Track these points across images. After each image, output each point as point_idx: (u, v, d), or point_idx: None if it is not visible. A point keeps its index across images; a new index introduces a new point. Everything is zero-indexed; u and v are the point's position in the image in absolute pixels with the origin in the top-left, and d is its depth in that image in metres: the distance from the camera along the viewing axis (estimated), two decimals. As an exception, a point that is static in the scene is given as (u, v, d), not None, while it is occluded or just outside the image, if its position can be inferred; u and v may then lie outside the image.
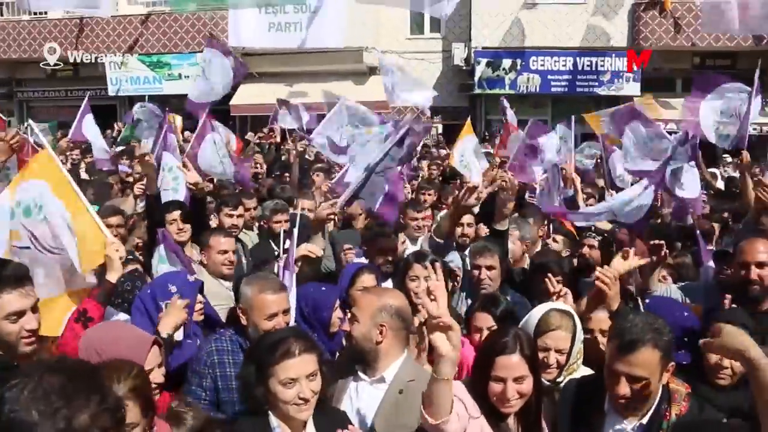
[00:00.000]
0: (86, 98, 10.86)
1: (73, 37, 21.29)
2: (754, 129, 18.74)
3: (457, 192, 5.27)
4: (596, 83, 20.16)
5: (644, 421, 2.94)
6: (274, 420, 2.83)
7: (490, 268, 4.82)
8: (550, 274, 4.41)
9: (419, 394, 2.64)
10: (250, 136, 14.70)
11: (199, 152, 8.19)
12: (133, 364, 2.69)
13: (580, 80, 20.19)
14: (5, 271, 3.01)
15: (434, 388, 2.54)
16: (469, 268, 5.07)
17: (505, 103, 10.64)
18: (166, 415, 2.87)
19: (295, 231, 4.47)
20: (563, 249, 6.29)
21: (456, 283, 4.97)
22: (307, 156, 11.73)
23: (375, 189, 5.72)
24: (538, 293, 4.63)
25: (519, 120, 11.38)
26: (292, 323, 3.78)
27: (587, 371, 3.42)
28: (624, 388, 2.84)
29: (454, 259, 5.13)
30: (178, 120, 13.78)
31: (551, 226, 6.86)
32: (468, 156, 9.47)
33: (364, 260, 5.34)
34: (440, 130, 19.72)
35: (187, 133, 12.01)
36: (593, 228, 6.13)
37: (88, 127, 10.30)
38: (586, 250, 5.88)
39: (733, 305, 4.21)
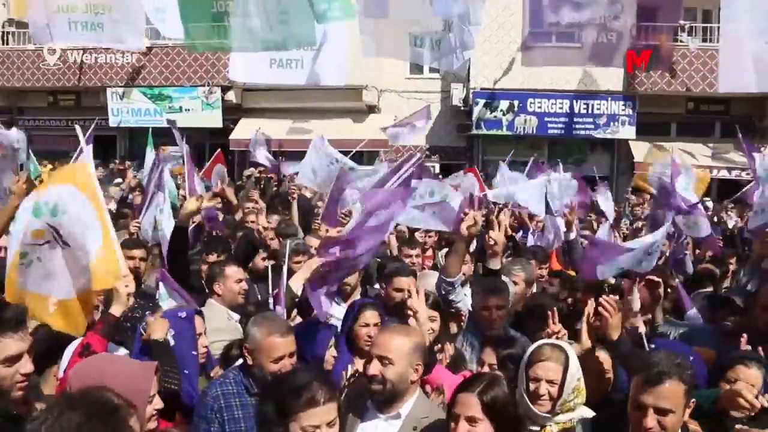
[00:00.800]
0: (91, 128, 10.79)
1: (77, 67, 21.54)
2: (747, 174, 19.00)
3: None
4: (592, 126, 20.43)
5: None
6: None
7: (499, 308, 4.77)
8: (550, 312, 4.43)
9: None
10: (250, 171, 14.80)
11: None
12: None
13: (577, 123, 20.46)
14: (6, 314, 3.02)
15: None
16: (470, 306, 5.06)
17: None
18: None
19: (285, 267, 4.53)
20: (560, 291, 6.33)
21: (461, 325, 4.97)
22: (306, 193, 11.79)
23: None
24: (533, 334, 4.67)
25: (516, 161, 11.55)
26: None
27: (589, 413, 3.44)
28: (651, 421, 2.89)
29: (461, 299, 5.03)
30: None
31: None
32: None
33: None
34: (438, 170, 19.88)
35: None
36: None
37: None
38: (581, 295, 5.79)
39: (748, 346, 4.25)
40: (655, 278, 4.88)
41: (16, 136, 6.70)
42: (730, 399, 3.42)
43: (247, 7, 7.26)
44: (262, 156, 12.57)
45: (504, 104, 20.50)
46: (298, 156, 12.97)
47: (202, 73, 20.64)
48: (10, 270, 3.89)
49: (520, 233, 8.88)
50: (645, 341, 4.20)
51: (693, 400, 3.02)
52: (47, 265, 3.84)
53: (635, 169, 18.59)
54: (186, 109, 20.69)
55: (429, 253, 7.83)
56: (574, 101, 20.21)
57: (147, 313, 4.17)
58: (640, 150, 19.82)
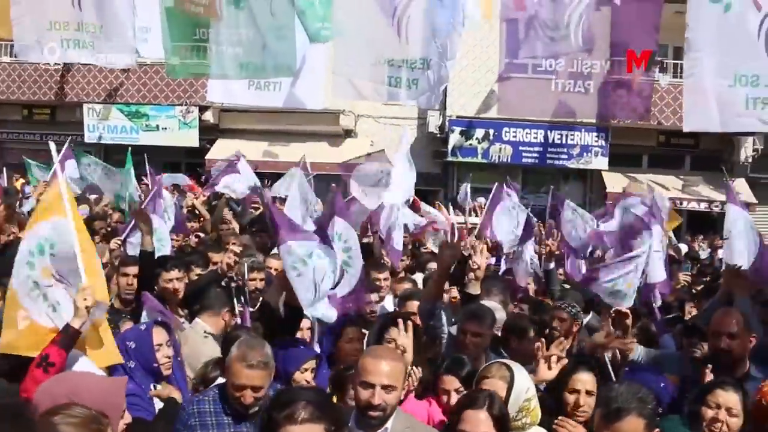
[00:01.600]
0: (66, 144, 10.69)
1: (53, 82, 21.45)
2: (716, 206, 19.38)
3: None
4: (566, 156, 20.73)
5: None
6: None
7: (476, 335, 4.78)
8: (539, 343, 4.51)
9: None
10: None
11: None
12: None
13: (551, 152, 20.75)
14: None
15: None
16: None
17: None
18: None
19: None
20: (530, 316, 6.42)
21: (439, 349, 5.00)
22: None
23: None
24: (510, 354, 4.78)
25: (489, 189, 11.67)
26: None
27: None
28: None
29: (441, 324, 5.05)
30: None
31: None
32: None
33: None
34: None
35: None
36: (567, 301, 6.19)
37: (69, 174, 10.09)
38: (556, 323, 5.79)
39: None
40: (623, 309, 4.99)
41: None
42: None
43: (227, 34, 7.28)
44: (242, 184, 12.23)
45: (480, 132, 20.74)
46: (275, 177, 13.04)
47: (180, 92, 20.65)
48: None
49: (493, 260, 9.02)
50: (610, 370, 4.31)
51: (657, 430, 3.10)
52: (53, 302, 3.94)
53: (607, 199, 18.86)
54: (163, 128, 20.65)
55: (402, 274, 7.91)
56: (549, 131, 20.50)
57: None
58: (612, 180, 20.15)
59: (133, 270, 5.76)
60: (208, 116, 21.07)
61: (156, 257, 6.06)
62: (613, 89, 7.11)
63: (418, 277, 7.79)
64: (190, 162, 20.21)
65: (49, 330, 3.85)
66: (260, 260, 6.85)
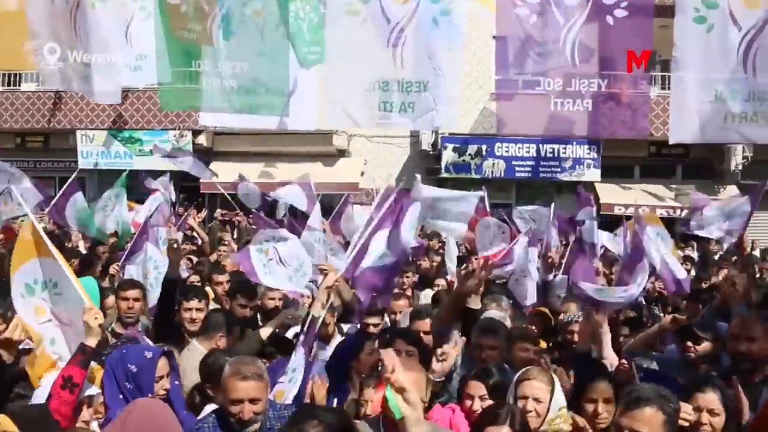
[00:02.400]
0: (74, 175, 10.54)
1: (46, 109, 21.50)
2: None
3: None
4: (558, 169, 20.87)
5: None
6: None
7: (492, 348, 4.85)
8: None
9: None
10: (218, 213, 14.86)
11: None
12: None
13: (543, 166, 20.89)
14: None
15: None
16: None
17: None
18: None
19: None
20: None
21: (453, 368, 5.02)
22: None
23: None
24: (515, 363, 4.83)
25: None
26: None
27: None
28: None
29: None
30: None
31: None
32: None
33: None
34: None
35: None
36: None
37: (74, 209, 9.98)
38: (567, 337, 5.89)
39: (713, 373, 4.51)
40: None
41: None
42: None
43: (218, 65, 7.36)
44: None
45: (472, 148, 20.87)
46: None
47: (173, 116, 20.71)
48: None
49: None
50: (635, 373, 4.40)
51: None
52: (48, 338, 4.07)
53: (601, 210, 18.95)
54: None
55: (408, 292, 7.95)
56: (541, 145, 20.66)
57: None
58: (605, 192, 20.26)
59: (133, 294, 5.78)
60: (202, 140, 21.15)
61: (178, 286, 6.09)
62: (606, 105, 7.23)
63: (427, 293, 7.85)
64: (185, 185, 20.22)
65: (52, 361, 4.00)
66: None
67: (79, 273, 6.88)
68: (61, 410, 3.48)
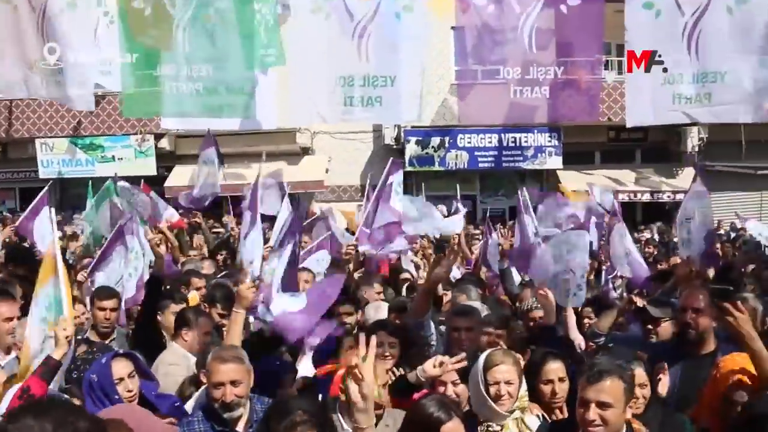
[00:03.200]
0: (45, 188, 10.29)
1: (2, 118, 21.14)
2: (669, 197, 19.94)
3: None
4: (521, 158, 21.13)
5: None
6: None
7: (468, 329, 4.99)
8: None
9: None
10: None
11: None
12: None
13: (506, 156, 21.14)
14: None
15: None
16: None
17: None
18: None
19: None
20: None
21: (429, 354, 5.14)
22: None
23: None
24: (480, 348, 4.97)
25: (447, 195, 11.95)
26: None
27: (536, 422, 3.81)
28: (593, 414, 3.19)
29: (431, 332, 5.18)
30: None
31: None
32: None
33: None
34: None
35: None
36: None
37: (42, 224, 9.56)
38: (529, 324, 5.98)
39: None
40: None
41: None
42: None
43: (178, 68, 7.35)
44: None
45: (435, 141, 21.05)
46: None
47: (134, 121, 20.52)
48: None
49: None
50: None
51: (634, 399, 3.34)
52: None
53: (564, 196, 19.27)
54: (119, 158, 20.51)
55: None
56: (503, 135, 20.89)
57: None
58: (567, 178, 20.57)
59: (110, 304, 5.74)
60: (164, 143, 21.00)
61: (163, 287, 6.14)
62: (563, 91, 7.39)
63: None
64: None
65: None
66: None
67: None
68: None
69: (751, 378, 3.92)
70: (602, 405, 3.19)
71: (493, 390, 3.71)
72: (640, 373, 4.00)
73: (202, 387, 4.18)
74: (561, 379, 4.13)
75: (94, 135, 20.93)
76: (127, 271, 6.83)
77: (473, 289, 6.62)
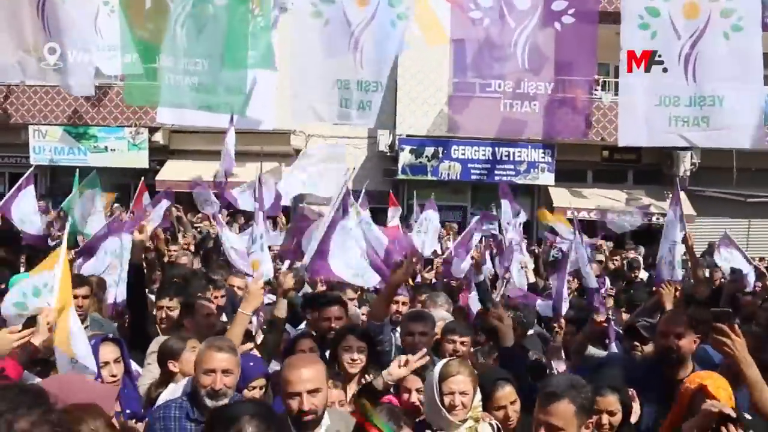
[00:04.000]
0: (30, 170, 10.23)
1: (-4, 104, 21.08)
2: (657, 219, 20.02)
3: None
4: (513, 172, 21.19)
5: None
6: None
7: (422, 334, 5.06)
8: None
9: None
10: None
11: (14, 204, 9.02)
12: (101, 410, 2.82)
13: (498, 169, 21.18)
14: None
15: None
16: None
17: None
18: None
19: None
20: None
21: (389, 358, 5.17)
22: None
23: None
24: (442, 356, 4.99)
25: (440, 206, 12.00)
26: None
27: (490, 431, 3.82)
28: None
29: (389, 337, 5.21)
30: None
31: None
32: None
33: None
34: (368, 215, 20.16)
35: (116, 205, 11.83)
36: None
37: (24, 204, 9.60)
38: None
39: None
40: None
41: None
42: None
43: (175, 61, 7.37)
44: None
45: (429, 150, 21.09)
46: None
47: (129, 113, 20.50)
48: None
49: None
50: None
51: (591, 421, 3.32)
52: None
53: (554, 213, 19.33)
54: (112, 149, 20.45)
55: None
56: (496, 148, 20.95)
57: None
58: (558, 196, 20.66)
59: (82, 291, 5.80)
60: (158, 137, 20.95)
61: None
62: (558, 108, 7.45)
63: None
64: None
65: None
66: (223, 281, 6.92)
67: (27, 268, 6.88)
68: None
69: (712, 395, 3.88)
70: (552, 428, 3.19)
71: (447, 400, 3.72)
72: (610, 401, 4.01)
73: (182, 381, 4.18)
74: (513, 402, 4.14)
75: (89, 125, 20.86)
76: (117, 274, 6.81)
77: (442, 295, 6.77)
